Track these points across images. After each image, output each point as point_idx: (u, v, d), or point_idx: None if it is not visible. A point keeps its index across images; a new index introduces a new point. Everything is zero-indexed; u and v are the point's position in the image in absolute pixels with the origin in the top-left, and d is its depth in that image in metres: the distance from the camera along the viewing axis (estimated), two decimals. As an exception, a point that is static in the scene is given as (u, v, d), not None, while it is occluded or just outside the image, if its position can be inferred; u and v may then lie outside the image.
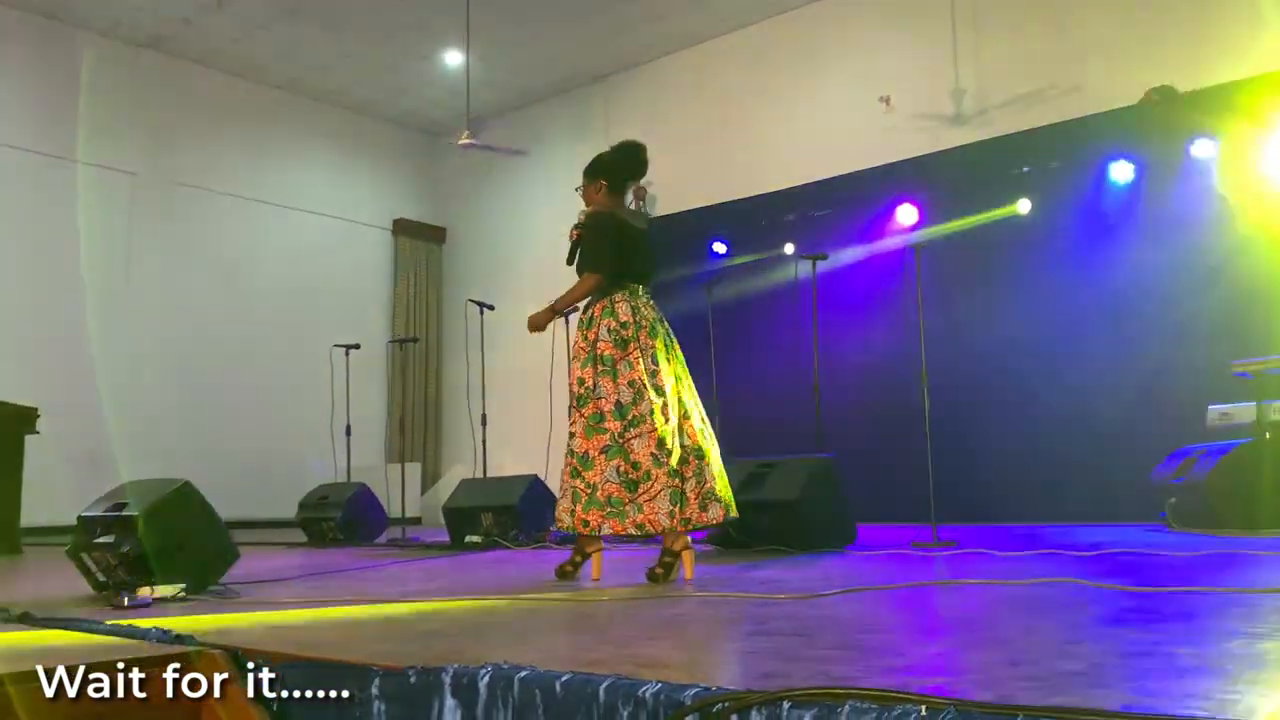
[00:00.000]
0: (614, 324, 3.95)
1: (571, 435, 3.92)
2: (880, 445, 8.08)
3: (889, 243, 9.37)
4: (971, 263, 8.62)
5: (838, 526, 5.07)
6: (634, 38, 11.50)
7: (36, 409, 7.44)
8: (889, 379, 8.47)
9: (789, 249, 10.02)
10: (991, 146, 9.16)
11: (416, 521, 11.38)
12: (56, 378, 9.97)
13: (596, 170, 4.32)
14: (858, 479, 5.63)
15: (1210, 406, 6.24)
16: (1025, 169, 8.89)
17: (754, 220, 10.63)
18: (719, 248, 10.89)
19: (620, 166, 4.34)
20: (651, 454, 3.74)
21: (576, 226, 4.27)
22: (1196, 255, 7.71)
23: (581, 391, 3.91)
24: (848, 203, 9.94)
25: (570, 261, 4.26)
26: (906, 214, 9.40)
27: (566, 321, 5.04)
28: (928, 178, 9.43)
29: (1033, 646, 2.01)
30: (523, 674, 1.86)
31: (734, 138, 11.29)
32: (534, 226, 12.65)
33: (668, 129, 11.96)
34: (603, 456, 3.78)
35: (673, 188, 11.78)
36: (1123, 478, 6.84)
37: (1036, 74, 9.21)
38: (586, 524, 3.81)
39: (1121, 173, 8.42)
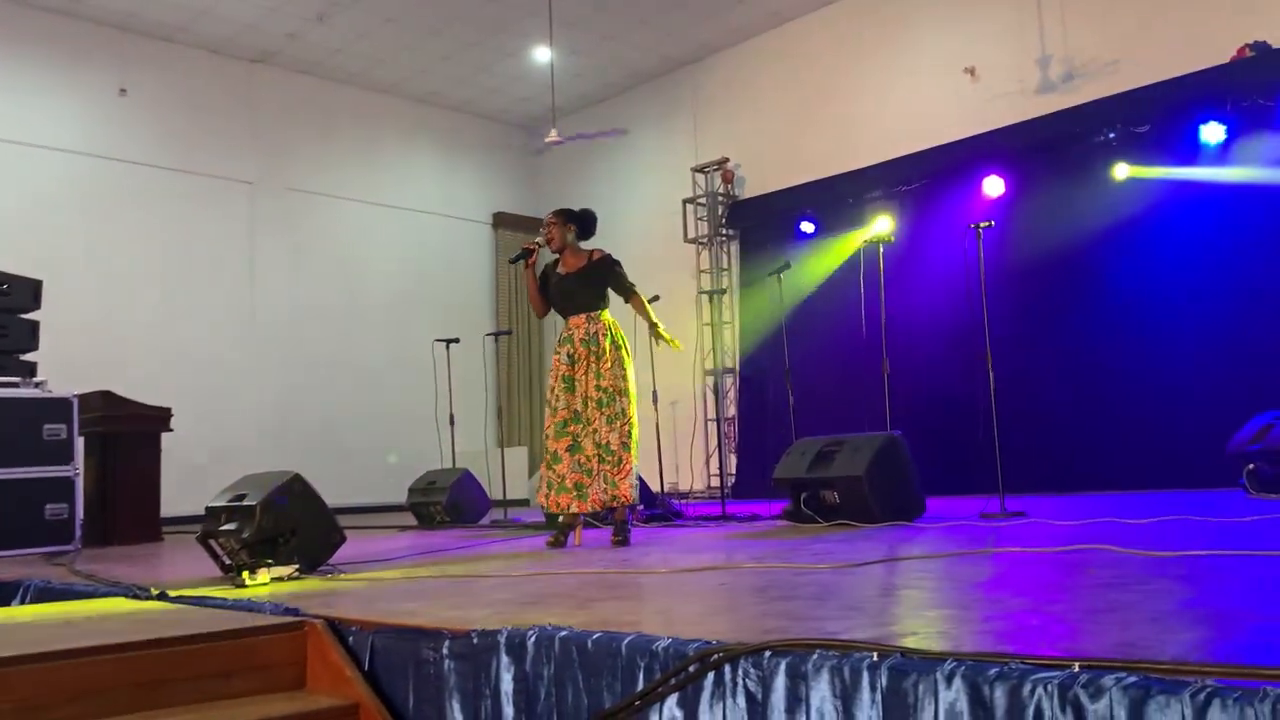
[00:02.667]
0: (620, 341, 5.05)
1: (596, 430, 4.88)
2: (955, 418, 8.15)
3: (965, 218, 9.34)
4: (1056, 231, 8.58)
5: (905, 500, 5.26)
6: (717, 22, 11.69)
7: (170, 410, 8.09)
8: (962, 351, 8.54)
9: (881, 225, 10.02)
10: (1078, 113, 9.08)
11: (524, 504, 11.89)
12: (188, 379, 10.76)
13: (574, 218, 5.25)
14: (931, 452, 5.80)
15: (1293, 371, 6.19)
16: (1112, 135, 8.78)
17: (841, 198, 10.72)
18: (806, 227, 11.01)
19: (589, 225, 5.25)
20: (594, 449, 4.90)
21: (588, 267, 5.16)
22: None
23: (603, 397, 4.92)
24: (935, 176, 9.95)
25: (577, 292, 5.13)
26: (994, 185, 9.37)
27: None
28: (1014, 148, 9.39)
29: (1016, 607, 2.23)
30: (563, 633, 2.19)
31: (818, 116, 11.39)
32: (626, 212, 12.97)
33: (753, 111, 12.13)
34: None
35: (759, 169, 11.96)
36: (1200, 444, 6.81)
37: (1122, 37, 9.08)
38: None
39: (1212, 134, 8.25)
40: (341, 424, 12.03)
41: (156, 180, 11.31)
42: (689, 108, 12.85)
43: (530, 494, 12.76)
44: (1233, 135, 8.17)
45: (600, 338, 5.00)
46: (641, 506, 6.24)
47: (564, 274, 5.16)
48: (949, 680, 1.56)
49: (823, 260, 10.25)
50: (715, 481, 11.92)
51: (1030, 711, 1.46)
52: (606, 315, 5.13)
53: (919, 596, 2.49)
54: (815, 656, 1.74)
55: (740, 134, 12.22)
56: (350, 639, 2.66)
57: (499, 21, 11.42)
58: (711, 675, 1.87)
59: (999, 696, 1.50)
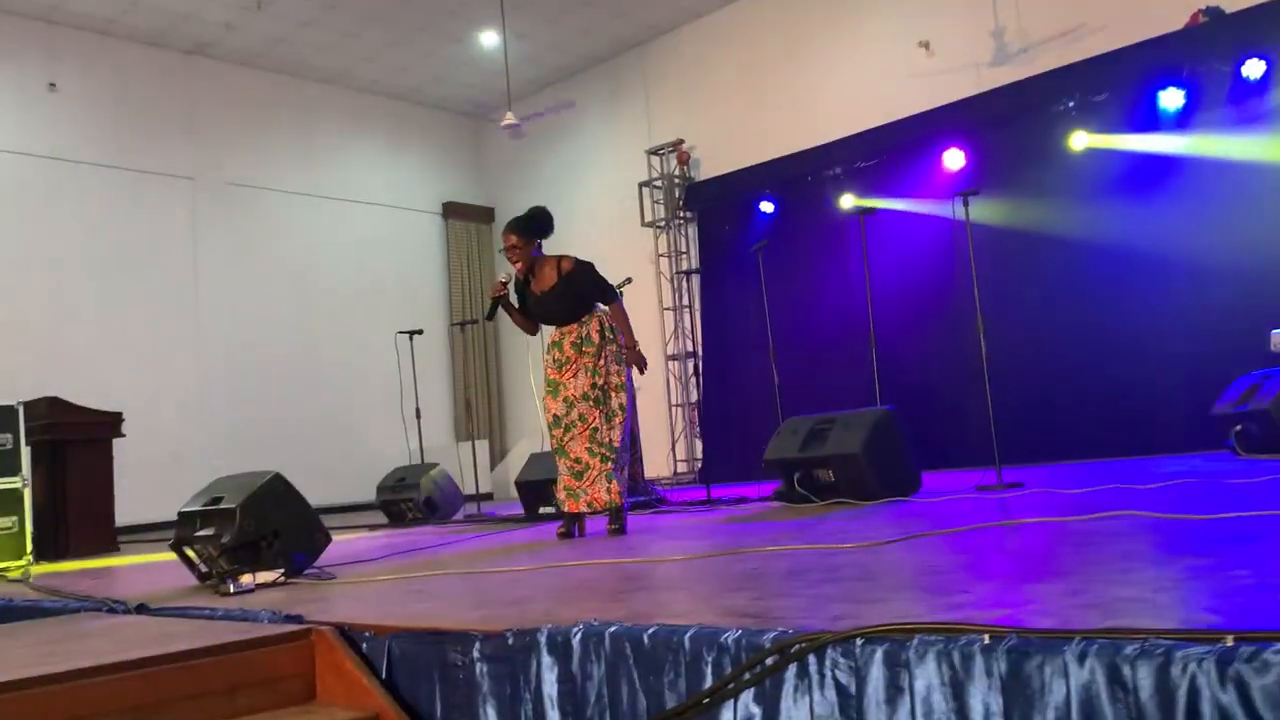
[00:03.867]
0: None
1: (596, 429, 4.72)
2: (941, 392, 8.13)
3: (937, 190, 9.31)
4: (1023, 202, 8.55)
5: (901, 476, 5.16)
6: (666, 1, 11.51)
7: (121, 414, 7.76)
8: (945, 325, 8.49)
9: (844, 201, 9.97)
10: (1036, 84, 9.07)
11: (489, 497, 11.67)
12: (137, 382, 10.37)
13: (529, 229, 4.92)
14: (922, 426, 5.71)
15: (1273, 331, 6.19)
16: (1071, 104, 8.78)
17: (799, 176, 10.63)
18: (766, 206, 10.91)
19: (546, 225, 4.98)
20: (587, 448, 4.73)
21: (562, 282, 4.87)
22: (1252, 178, 7.59)
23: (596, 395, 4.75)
24: (893, 151, 9.90)
25: (559, 309, 4.89)
26: (954, 158, 9.35)
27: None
28: (973, 120, 9.37)
29: (1090, 577, 2.11)
30: (613, 629, 2.01)
31: (774, 95, 11.28)
32: (581, 198, 12.77)
33: (707, 91, 11.99)
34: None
35: (715, 150, 11.83)
36: (1186, 408, 6.83)
37: (1075, 7, 9.07)
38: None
39: (1171, 100, 8.27)
40: (298, 422, 11.69)
41: (93, 178, 10.87)
42: (640, 90, 12.67)
43: (494, 487, 12.55)
44: (1192, 101, 8.20)
45: (593, 334, 4.82)
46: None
47: (540, 293, 4.89)
48: (1080, 660, 1.42)
49: (795, 237, 10.14)
50: (683, 467, 11.80)
51: (1183, 691, 1.32)
52: (598, 314, 4.91)
53: (974, 573, 2.35)
54: (916, 642, 1.59)
55: (694, 115, 12.08)
56: (364, 645, 2.46)
57: (443, 6, 11.14)
58: (794, 667, 1.71)
59: (1143, 677, 1.36)
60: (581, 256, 4.97)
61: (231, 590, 3.58)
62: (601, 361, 4.77)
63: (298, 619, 2.67)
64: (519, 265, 4.88)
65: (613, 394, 4.77)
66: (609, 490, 4.69)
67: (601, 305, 4.90)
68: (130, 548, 7.79)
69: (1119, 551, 2.45)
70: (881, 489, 5.00)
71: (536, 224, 4.93)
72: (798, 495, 5.24)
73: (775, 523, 4.44)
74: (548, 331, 5.00)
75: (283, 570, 3.80)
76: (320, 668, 2.52)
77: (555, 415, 4.77)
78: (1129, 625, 1.53)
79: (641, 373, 5.03)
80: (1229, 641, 1.34)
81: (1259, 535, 2.52)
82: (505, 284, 4.97)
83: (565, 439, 4.75)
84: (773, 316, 7.05)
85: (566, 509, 4.80)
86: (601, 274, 4.94)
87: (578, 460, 4.72)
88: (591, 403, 4.72)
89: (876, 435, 5.08)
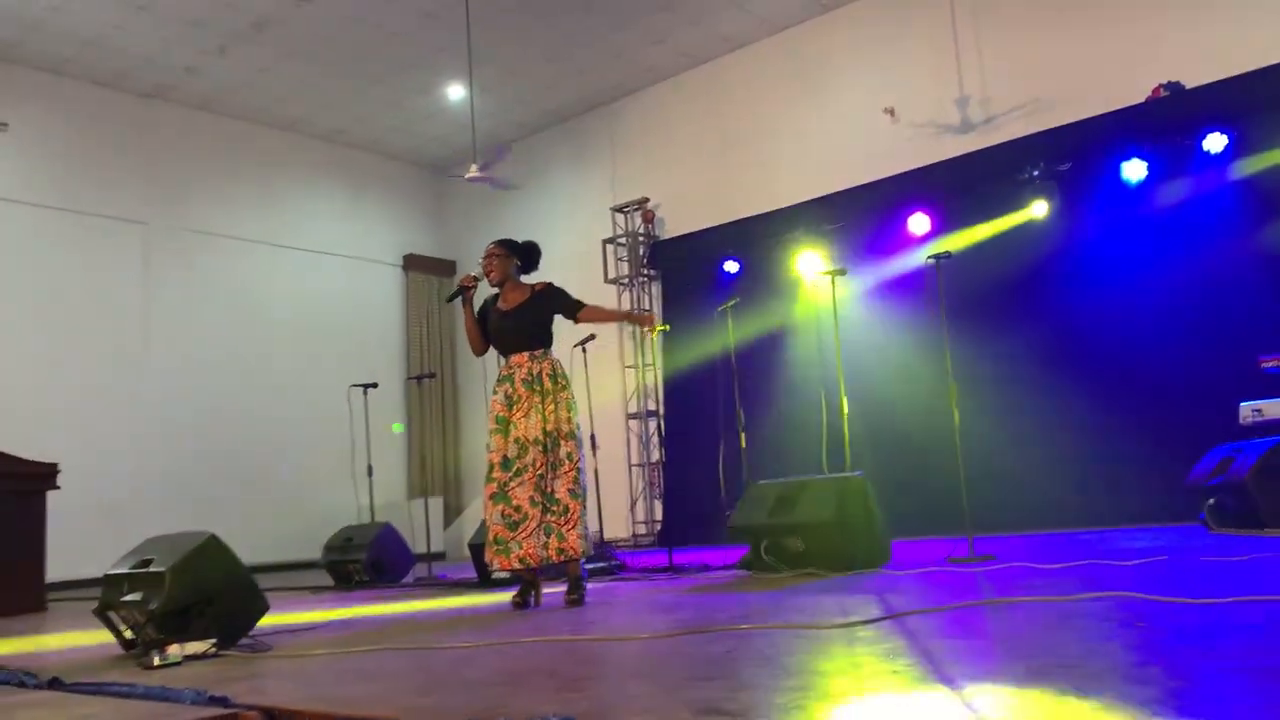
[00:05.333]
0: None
1: (542, 476, 4.51)
2: (907, 459, 7.99)
3: (906, 254, 9.28)
4: (990, 270, 8.52)
5: (872, 546, 4.98)
6: (634, 62, 11.51)
7: (56, 465, 7.41)
8: (912, 392, 8.38)
9: (811, 261, 9.88)
10: (1000, 152, 9.12)
11: (441, 556, 11.32)
12: (75, 432, 9.98)
13: (517, 250, 4.88)
14: (886, 494, 5.54)
15: (1241, 404, 6.13)
16: (1035, 173, 8.82)
17: (765, 237, 10.57)
18: (730, 266, 10.83)
19: (533, 259, 4.93)
20: (529, 497, 4.51)
21: (531, 300, 4.77)
22: (1215, 250, 7.63)
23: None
24: (859, 215, 9.88)
25: (520, 327, 4.73)
26: (919, 223, 9.33)
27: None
28: (938, 186, 9.38)
29: (1098, 673, 1.93)
30: (573, 727, 1.80)
31: (739, 156, 11.28)
32: (544, 253, 12.61)
33: (672, 151, 11.96)
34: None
35: (680, 209, 11.77)
36: (1157, 479, 6.74)
37: (1040, 77, 9.17)
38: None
39: (1134, 171, 8.33)
40: (245, 477, 11.31)
41: (42, 220, 10.56)
42: (606, 148, 12.63)
43: (446, 546, 12.21)
44: (1154, 172, 8.26)
45: (544, 377, 4.60)
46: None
47: (505, 310, 4.74)
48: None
49: (761, 298, 10.02)
50: (641, 529, 11.55)
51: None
52: (552, 354, 4.75)
53: (969, 663, 2.16)
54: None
55: (659, 174, 12.03)
56: (295, 735, 2.22)
57: (408, 58, 11.04)
58: (781, 780, 1.51)
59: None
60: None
61: (156, 663, 3.30)
62: (552, 406, 4.54)
63: (223, 701, 2.42)
64: (494, 274, 4.74)
65: (562, 442, 4.52)
66: (545, 546, 4.40)
67: (575, 320, 4.78)
68: (60, 606, 7.39)
69: (1122, 640, 2.27)
70: (852, 559, 4.81)
71: (524, 250, 4.88)
72: (765, 564, 5.03)
73: (744, 594, 4.23)
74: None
75: (214, 640, 3.52)
76: (245, 759, 2.27)
77: (506, 457, 4.50)
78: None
79: (652, 328, 4.93)
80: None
81: (1266, 624, 2.36)
82: (476, 279, 4.78)
83: (511, 484, 4.46)
84: (739, 377, 6.89)
85: (496, 566, 4.50)
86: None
87: (517, 509, 4.43)
88: (540, 449, 4.48)
89: (849, 503, 4.90)
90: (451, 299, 4.84)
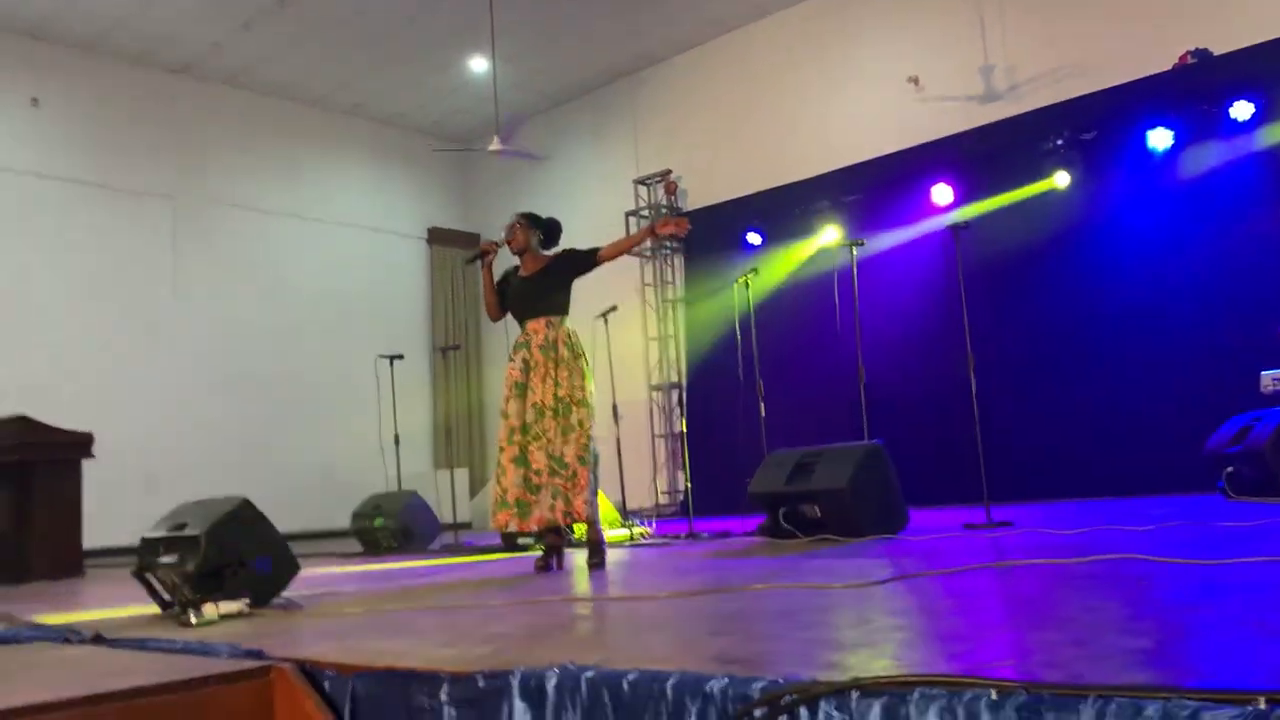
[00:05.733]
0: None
1: (550, 441, 4.56)
2: (927, 428, 8.03)
3: (927, 224, 9.28)
4: (1012, 239, 8.51)
5: (889, 513, 5.05)
6: (657, 32, 11.50)
7: (91, 434, 7.58)
8: (933, 361, 8.40)
9: (828, 235, 9.96)
10: (1025, 121, 9.07)
11: (467, 526, 11.48)
12: (110, 402, 10.18)
13: (539, 224, 5.00)
14: (906, 463, 5.59)
15: (1263, 372, 6.13)
16: (1060, 142, 8.78)
17: (787, 208, 10.58)
18: (753, 238, 10.86)
19: (554, 234, 5.03)
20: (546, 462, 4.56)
21: (551, 264, 4.90)
22: (1239, 218, 7.59)
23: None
24: (882, 186, 9.87)
25: (539, 292, 4.84)
26: (942, 194, 9.32)
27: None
28: (962, 156, 9.35)
29: (1096, 625, 2.00)
30: (589, 674, 1.88)
31: (762, 127, 11.27)
32: (566, 226, 12.62)
33: (695, 122, 11.96)
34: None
35: (702, 180, 11.78)
36: (1176, 448, 6.74)
37: (1066, 45, 9.10)
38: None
39: (1160, 139, 8.28)
40: (274, 446, 11.50)
41: (72, 195, 10.73)
42: (629, 119, 12.64)
43: (473, 516, 12.35)
44: (1180, 141, 8.20)
45: (560, 345, 4.70)
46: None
47: (524, 276, 4.87)
48: (1098, 721, 1.30)
49: (781, 268, 10.06)
50: (665, 499, 11.66)
51: (1213, 758, 1.21)
52: (567, 323, 4.84)
53: (977, 618, 2.24)
54: (916, 696, 1.47)
55: (682, 145, 12.04)
56: (326, 684, 2.32)
57: (432, 31, 11.08)
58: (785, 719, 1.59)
59: (1167, 740, 1.25)
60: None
61: (193, 621, 3.42)
62: (566, 373, 4.63)
63: (258, 654, 2.53)
64: (515, 243, 4.85)
65: (574, 408, 4.61)
66: (553, 509, 4.48)
67: (596, 262, 4.86)
68: (97, 572, 7.58)
69: (1123, 597, 2.34)
70: (868, 526, 4.89)
71: (546, 224, 5.00)
72: (783, 530, 5.12)
73: (760, 559, 4.32)
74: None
75: (248, 600, 3.65)
76: (279, 708, 2.37)
77: (525, 422, 4.59)
78: (1147, 681, 1.42)
79: (682, 233, 4.91)
80: (1261, 704, 1.23)
81: (1268, 583, 2.42)
82: (496, 245, 4.89)
83: (530, 447, 4.56)
84: (759, 347, 6.94)
85: (512, 528, 4.59)
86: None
87: (538, 473, 4.52)
88: (551, 413, 4.58)
89: (864, 470, 4.97)
90: (470, 261, 4.94)
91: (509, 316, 4.93)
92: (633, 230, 11.94)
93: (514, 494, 4.54)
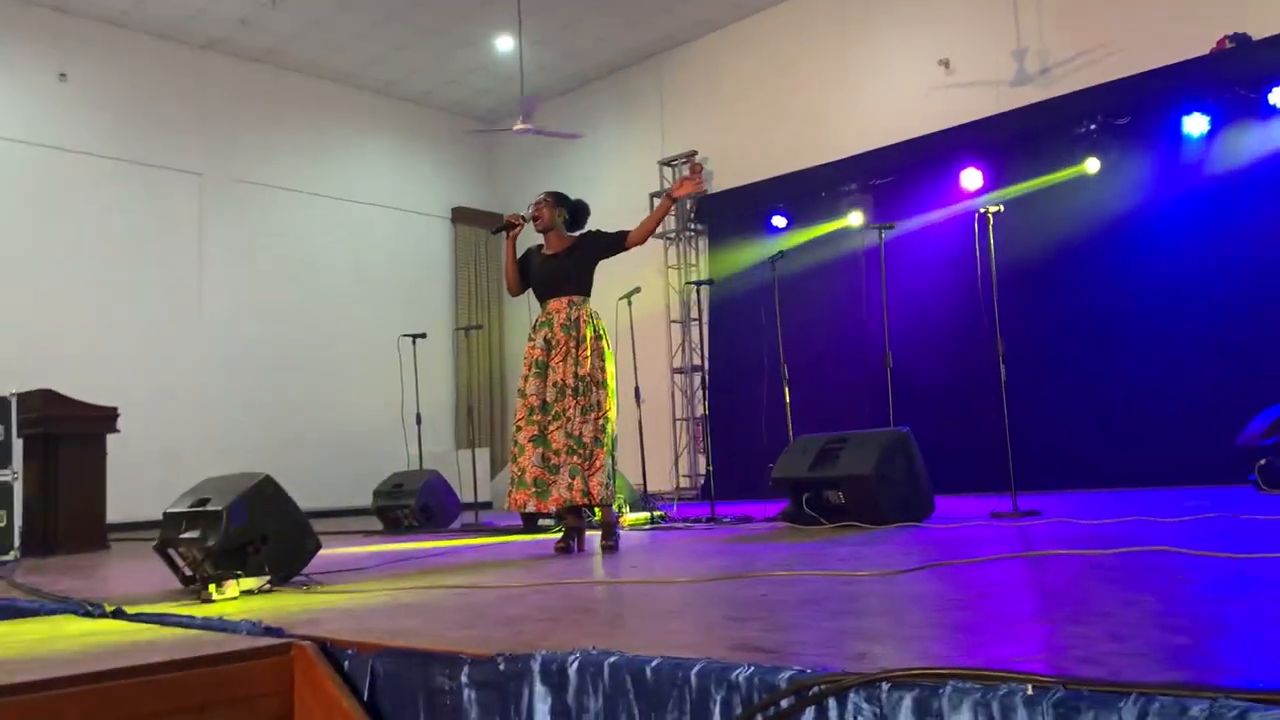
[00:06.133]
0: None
1: (569, 420, 4.50)
2: (953, 415, 7.94)
3: (955, 209, 9.16)
4: (1043, 225, 8.39)
5: (915, 500, 4.99)
6: (683, 13, 11.40)
7: (116, 409, 7.62)
8: (960, 347, 8.31)
9: (855, 218, 9.88)
10: (1056, 105, 8.93)
11: (487, 506, 11.50)
12: (135, 377, 10.23)
13: (566, 203, 4.96)
14: (929, 450, 5.52)
15: (1299, 363, 6.03)
16: (1093, 126, 8.63)
17: (813, 191, 10.49)
18: (778, 221, 10.77)
19: (581, 216, 4.99)
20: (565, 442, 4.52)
21: (576, 243, 4.87)
22: (1276, 206, 7.44)
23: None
24: (910, 169, 9.75)
25: (564, 270, 4.80)
26: (971, 178, 9.19)
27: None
28: (992, 140, 9.22)
29: (1131, 620, 1.95)
30: (612, 659, 1.85)
31: (790, 109, 11.16)
32: (590, 207, 12.62)
33: (721, 103, 11.87)
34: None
35: (729, 162, 11.68)
36: (1207, 439, 6.64)
37: (1100, 28, 8.94)
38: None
39: (1195, 125, 8.12)
40: (296, 424, 11.55)
41: (99, 170, 10.76)
42: (655, 100, 12.55)
43: (493, 496, 12.37)
44: (1216, 126, 8.05)
45: (582, 324, 4.65)
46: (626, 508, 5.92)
47: (548, 254, 4.83)
48: (1140, 720, 1.25)
49: (808, 251, 9.97)
50: (685, 482, 11.63)
51: (1262, 762, 1.16)
52: (589, 304, 4.79)
53: (1009, 610, 2.19)
54: (949, 689, 1.43)
55: (708, 127, 11.95)
56: (346, 664, 2.30)
57: (459, 10, 11.02)
58: (812, 711, 1.55)
59: (1214, 742, 1.20)
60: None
61: (214, 597, 3.42)
62: (588, 353, 4.58)
63: (278, 632, 2.52)
64: (540, 219, 4.82)
65: (595, 388, 4.56)
66: (570, 487, 4.43)
67: (625, 245, 4.82)
68: (121, 546, 7.64)
69: (1158, 591, 2.28)
70: (893, 513, 4.83)
71: (573, 205, 4.95)
72: (806, 516, 5.07)
73: (784, 545, 4.28)
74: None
75: (269, 577, 3.65)
76: (299, 686, 2.36)
77: (545, 401, 4.55)
78: (1191, 680, 1.37)
79: (699, 188, 4.89)
80: (1314, 706, 1.18)
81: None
82: (523, 219, 4.87)
83: (550, 426, 4.51)
84: (784, 332, 6.88)
85: (531, 508, 4.54)
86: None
87: (557, 453, 4.48)
88: (571, 392, 4.53)
89: (890, 457, 4.91)
90: (496, 231, 4.90)
91: (528, 294, 4.91)
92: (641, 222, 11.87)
93: (532, 473, 4.50)
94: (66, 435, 7.33)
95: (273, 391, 11.54)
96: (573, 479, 4.45)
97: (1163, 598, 2.19)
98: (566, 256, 4.77)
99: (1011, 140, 9.07)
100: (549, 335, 4.64)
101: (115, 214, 10.81)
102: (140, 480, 9.08)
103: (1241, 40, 8.15)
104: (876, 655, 1.72)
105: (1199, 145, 8.11)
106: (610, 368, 4.67)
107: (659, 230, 11.93)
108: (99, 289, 10.55)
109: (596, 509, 4.59)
